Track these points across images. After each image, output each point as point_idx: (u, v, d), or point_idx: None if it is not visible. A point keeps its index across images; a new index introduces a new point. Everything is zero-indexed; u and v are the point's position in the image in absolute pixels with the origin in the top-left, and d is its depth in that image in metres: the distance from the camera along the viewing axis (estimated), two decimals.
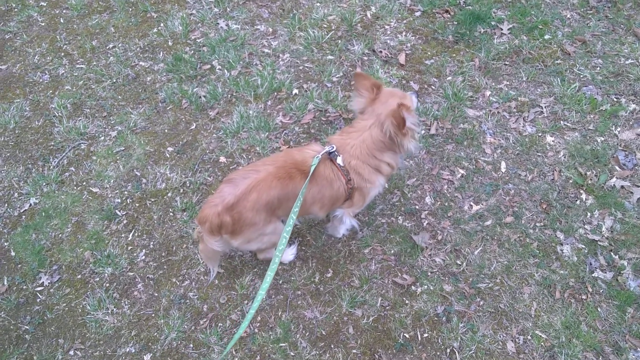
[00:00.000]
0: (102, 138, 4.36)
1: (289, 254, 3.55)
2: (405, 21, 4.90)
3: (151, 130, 4.38)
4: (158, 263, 3.69)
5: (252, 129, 4.22)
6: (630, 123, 4.01)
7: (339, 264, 3.54)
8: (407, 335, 3.22)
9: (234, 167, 4.05)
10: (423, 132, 4.00)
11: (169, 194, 3.99)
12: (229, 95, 4.51)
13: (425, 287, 3.39)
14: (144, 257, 3.73)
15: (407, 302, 3.35)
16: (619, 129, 3.98)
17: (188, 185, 4.01)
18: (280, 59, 4.71)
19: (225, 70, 4.66)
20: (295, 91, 4.45)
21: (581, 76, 4.31)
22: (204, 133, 4.30)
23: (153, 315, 3.43)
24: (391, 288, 3.41)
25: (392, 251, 3.56)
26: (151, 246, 3.78)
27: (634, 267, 3.33)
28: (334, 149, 2.94)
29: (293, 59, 4.70)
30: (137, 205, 3.97)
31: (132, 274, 3.65)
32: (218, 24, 5.07)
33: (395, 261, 3.52)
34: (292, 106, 4.34)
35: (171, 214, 3.90)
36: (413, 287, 3.40)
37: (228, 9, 5.20)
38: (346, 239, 3.63)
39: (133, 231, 3.84)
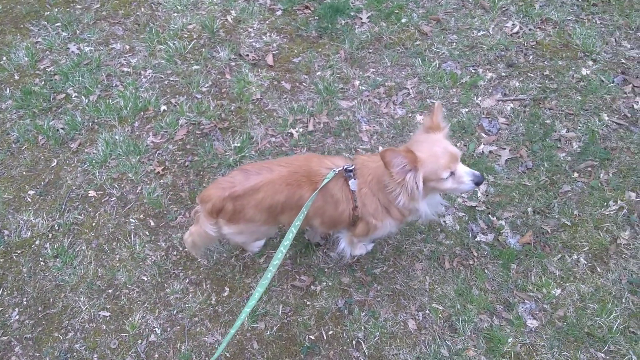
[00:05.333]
0: None
1: (256, 246, 3.46)
2: (267, 21, 4.84)
3: (7, 176, 3.93)
4: (35, 320, 3.32)
5: (121, 155, 3.93)
6: (489, 91, 4.28)
7: (234, 279, 3.40)
8: (312, 337, 3.16)
9: (105, 199, 3.75)
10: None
11: (37, 242, 3.61)
12: (90, 123, 4.17)
13: (324, 284, 3.36)
14: (17, 317, 3.34)
15: (308, 303, 3.29)
16: (480, 98, 4.22)
17: (57, 228, 3.65)
18: (142, 76, 4.45)
19: (83, 97, 4.31)
20: (164, 107, 4.22)
21: (440, 53, 4.52)
22: (68, 168, 3.94)
23: None
24: (291, 293, 3.34)
25: (288, 255, 3.49)
26: (24, 303, 3.39)
27: (511, 225, 3.55)
28: (352, 169, 2.72)
29: (156, 74, 4.46)
30: (1, 260, 3.54)
31: (5, 337, 3.25)
32: (68, 48, 4.68)
33: (292, 264, 3.45)
34: (162, 124, 4.11)
35: (42, 263, 3.52)
36: (312, 287, 3.35)
37: (78, 32, 4.82)
38: (239, 252, 3.50)
39: (1, 290, 3.42)
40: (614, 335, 3.05)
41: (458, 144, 3.92)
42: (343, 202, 2.75)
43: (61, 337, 3.24)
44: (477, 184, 2.50)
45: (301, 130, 4.07)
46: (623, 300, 3.18)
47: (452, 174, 2.47)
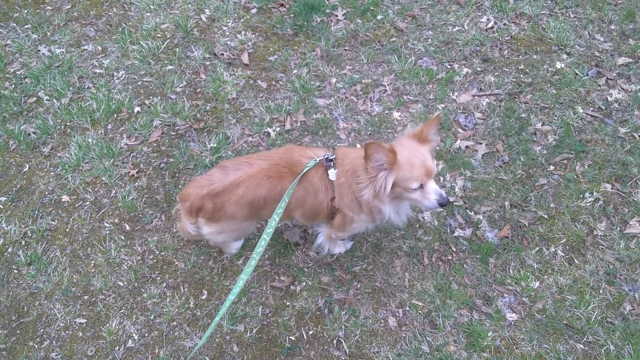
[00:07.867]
0: None
1: (234, 247, 3.41)
2: (242, 20, 4.79)
3: None
4: (9, 329, 3.23)
5: (94, 159, 3.85)
6: (465, 86, 4.29)
7: (213, 282, 3.35)
8: (292, 338, 3.13)
9: (79, 204, 3.68)
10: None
11: (9, 250, 3.52)
12: (63, 126, 4.08)
13: (304, 283, 3.33)
14: None
15: (288, 303, 3.26)
16: (456, 94, 4.23)
17: (30, 235, 3.56)
18: (115, 78, 4.36)
19: (54, 100, 4.21)
20: (137, 109, 4.15)
21: (415, 50, 4.52)
22: (40, 173, 3.85)
23: None
24: (270, 293, 3.31)
25: (266, 255, 3.45)
26: None
27: (489, 220, 3.56)
28: (333, 158, 2.68)
29: (129, 75, 4.38)
30: None
31: None
32: (39, 50, 4.57)
33: (271, 265, 3.42)
34: (136, 126, 4.04)
35: (15, 271, 3.44)
36: (292, 287, 3.32)
37: (48, 33, 4.71)
38: (217, 254, 3.46)
39: None
40: (592, 326, 3.08)
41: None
42: (322, 191, 2.75)
43: (36, 346, 3.16)
44: (441, 204, 2.54)
45: (278, 129, 4.03)
46: (600, 291, 3.21)
47: (422, 187, 2.51)
